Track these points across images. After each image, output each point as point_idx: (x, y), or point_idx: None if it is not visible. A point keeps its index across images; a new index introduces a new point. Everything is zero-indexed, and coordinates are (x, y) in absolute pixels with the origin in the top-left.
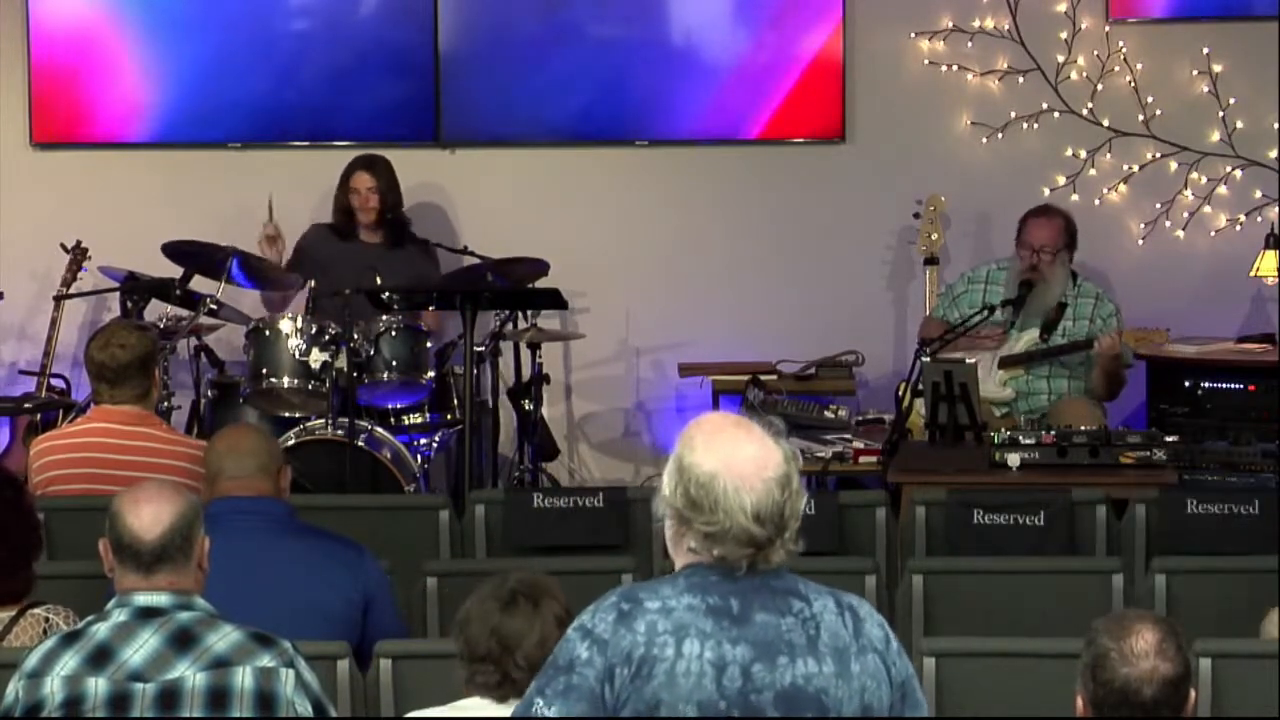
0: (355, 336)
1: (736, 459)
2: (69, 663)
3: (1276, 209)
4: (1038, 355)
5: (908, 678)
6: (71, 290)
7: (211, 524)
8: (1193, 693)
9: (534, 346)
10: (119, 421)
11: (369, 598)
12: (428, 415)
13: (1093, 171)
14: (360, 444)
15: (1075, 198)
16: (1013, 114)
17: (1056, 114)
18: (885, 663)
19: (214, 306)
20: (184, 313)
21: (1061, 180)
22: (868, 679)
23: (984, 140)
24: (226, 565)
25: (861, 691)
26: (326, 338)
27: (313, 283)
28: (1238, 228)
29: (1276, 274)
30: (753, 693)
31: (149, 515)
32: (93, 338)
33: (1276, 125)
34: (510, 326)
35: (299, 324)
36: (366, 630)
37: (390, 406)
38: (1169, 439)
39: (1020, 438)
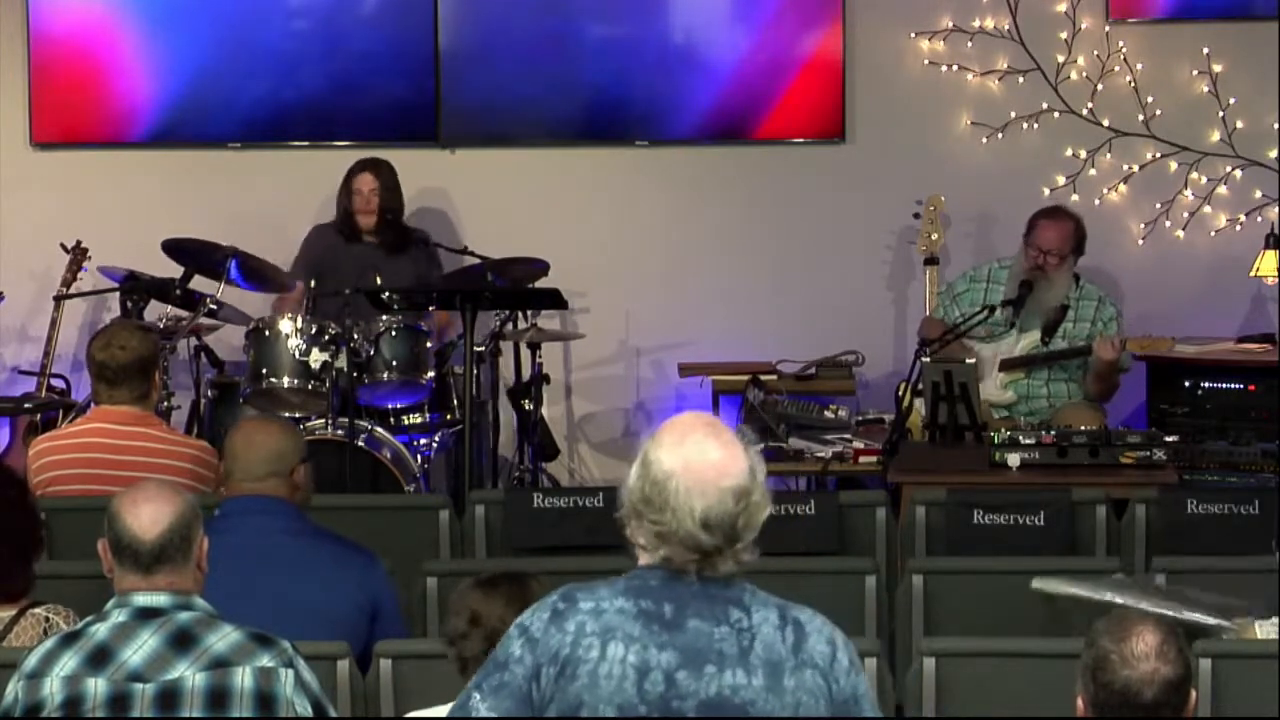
0: (355, 336)
1: (697, 462)
2: (68, 663)
3: (1276, 209)
4: (1038, 359)
5: (854, 697)
6: (71, 290)
7: (219, 523)
8: (1193, 694)
9: (534, 346)
10: (117, 422)
11: (377, 606)
12: (428, 415)
13: (1093, 171)
14: (360, 444)
15: (1075, 198)
16: (1013, 114)
17: (1056, 114)
18: (826, 680)
19: (214, 306)
20: (184, 313)
21: (1061, 180)
22: (804, 694)
23: (984, 140)
24: (232, 566)
25: (796, 707)
26: (326, 338)
27: (313, 283)
28: (1238, 228)
29: (1276, 274)
30: (675, 699)
31: (148, 515)
32: (95, 337)
33: (1276, 125)
34: (510, 326)
35: (299, 324)
36: (371, 638)
37: (390, 406)
38: (1169, 439)
39: (1020, 438)
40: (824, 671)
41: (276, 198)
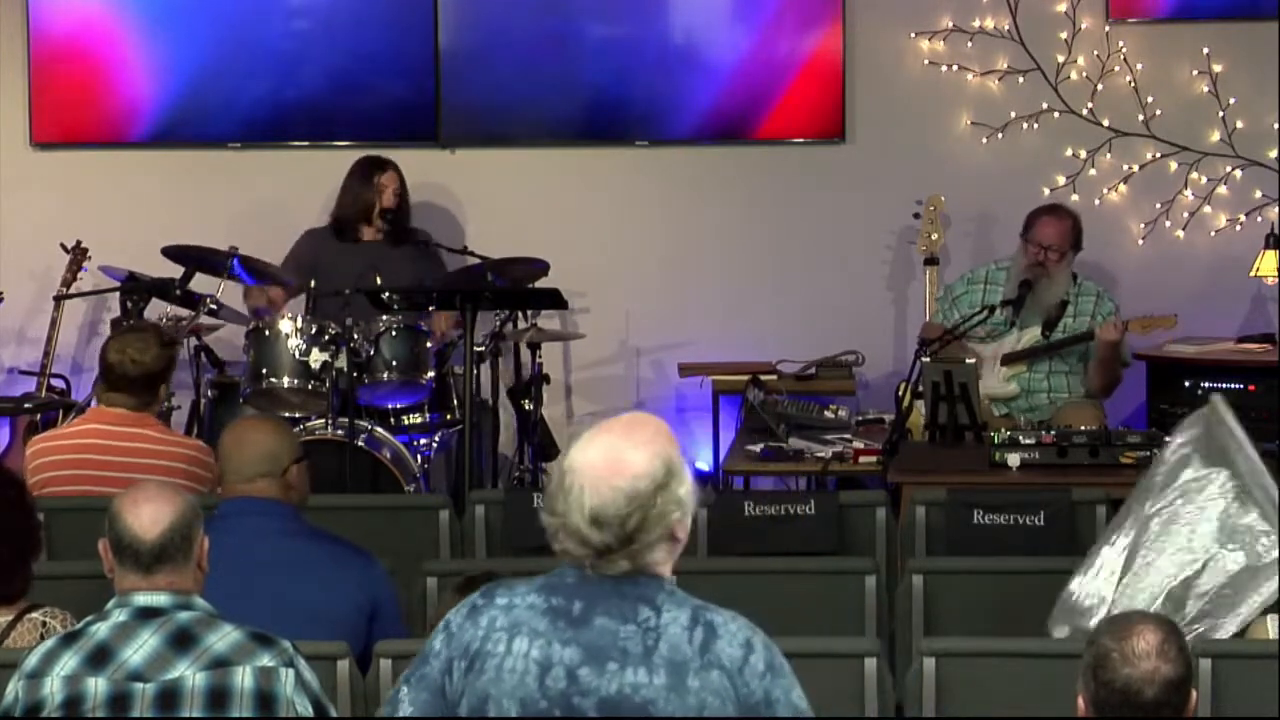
0: (355, 336)
1: (596, 460)
2: (69, 663)
3: (1276, 209)
4: (1040, 350)
5: (766, 701)
6: (71, 290)
7: (216, 525)
8: (1194, 693)
9: (534, 346)
10: (113, 422)
11: (376, 606)
12: (428, 415)
13: (1093, 171)
14: (360, 444)
15: (1075, 198)
16: (1013, 114)
17: (1056, 114)
18: (733, 683)
19: (214, 306)
20: (184, 313)
21: (1061, 180)
22: (709, 695)
23: (984, 140)
24: (230, 567)
25: (700, 708)
26: (326, 338)
27: (313, 283)
28: (1238, 228)
29: (1276, 274)
30: (576, 695)
31: (148, 515)
32: (116, 334)
33: (1276, 125)
34: (510, 326)
35: (299, 324)
36: (370, 639)
37: (390, 406)
38: (1169, 439)
39: (1020, 438)
40: (731, 674)
41: (276, 198)
